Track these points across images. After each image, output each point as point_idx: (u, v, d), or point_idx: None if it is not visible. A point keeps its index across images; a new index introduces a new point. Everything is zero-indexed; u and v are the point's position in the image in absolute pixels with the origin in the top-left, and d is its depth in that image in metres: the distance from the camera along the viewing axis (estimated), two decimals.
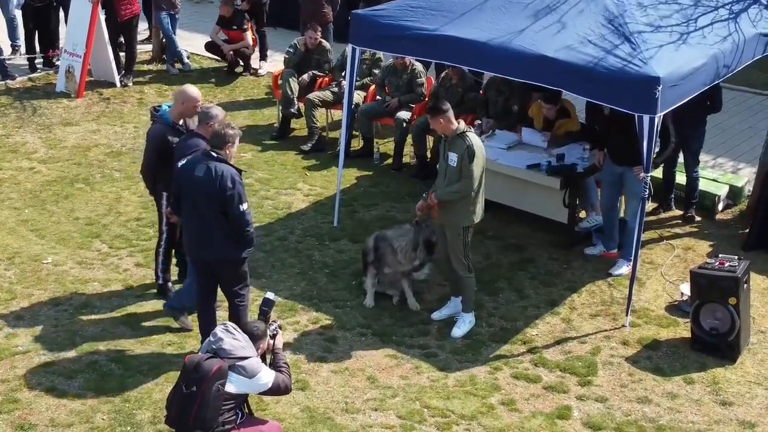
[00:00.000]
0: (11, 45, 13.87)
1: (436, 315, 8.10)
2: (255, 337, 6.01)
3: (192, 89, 7.84)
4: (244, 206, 6.88)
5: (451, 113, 7.56)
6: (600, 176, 9.09)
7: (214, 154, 6.90)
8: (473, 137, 7.57)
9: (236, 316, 7.22)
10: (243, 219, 6.88)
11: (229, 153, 6.94)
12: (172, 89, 13.13)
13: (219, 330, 5.94)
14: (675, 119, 8.70)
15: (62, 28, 13.61)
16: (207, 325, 7.21)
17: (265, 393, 6.03)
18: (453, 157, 7.50)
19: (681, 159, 9.82)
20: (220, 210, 6.86)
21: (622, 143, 8.56)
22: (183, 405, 5.76)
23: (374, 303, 8.21)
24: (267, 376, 5.90)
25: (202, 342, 7.22)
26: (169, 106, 7.83)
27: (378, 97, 11.34)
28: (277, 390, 5.99)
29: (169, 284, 8.25)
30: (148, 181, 8.02)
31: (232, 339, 5.88)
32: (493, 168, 9.05)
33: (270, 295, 6.56)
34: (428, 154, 10.75)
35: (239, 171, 6.93)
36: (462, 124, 7.59)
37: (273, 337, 6.19)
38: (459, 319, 7.90)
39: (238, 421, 5.93)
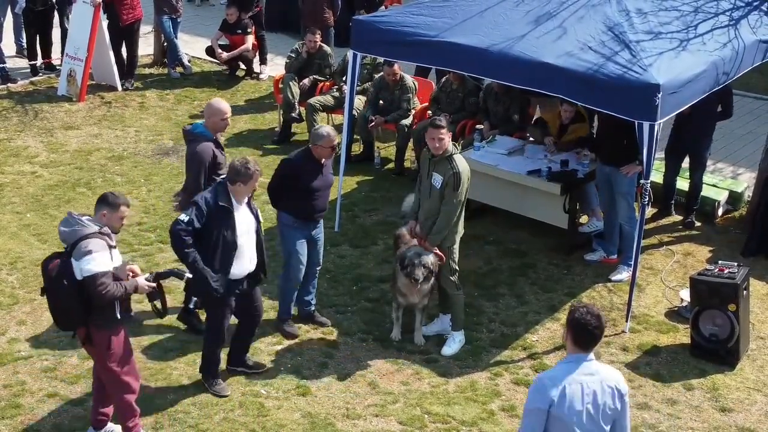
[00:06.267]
0: (16, 44, 13.97)
1: (424, 330, 7.92)
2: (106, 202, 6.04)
3: (218, 103, 7.39)
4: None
5: (449, 134, 7.29)
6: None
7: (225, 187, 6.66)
8: (460, 161, 7.33)
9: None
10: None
11: (236, 191, 6.59)
12: (174, 93, 13.21)
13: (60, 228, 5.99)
14: (685, 126, 8.71)
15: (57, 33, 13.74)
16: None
17: (88, 287, 5.81)
18: (437, 179, 7.30)
19: (682, 164, 9.87)
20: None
21: (610, 143, 8.63)
22: (53, 307, 6.02)
23: (400, 336, 7.89)
24: (95, 265, 5.77)
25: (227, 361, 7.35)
26: (201, 124, 7.39)
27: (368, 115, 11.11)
28: (95, 284, 5.77)
29: (197, 311, 7.79)
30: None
31: (64, 227, 5.98)
32: (494, 173, 9.10)
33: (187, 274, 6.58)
34: None
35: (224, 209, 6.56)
36: (452, 147, 7.32)
37: (151, 280, 6.25)
38: (449, 337, 7.75)
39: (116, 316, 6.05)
